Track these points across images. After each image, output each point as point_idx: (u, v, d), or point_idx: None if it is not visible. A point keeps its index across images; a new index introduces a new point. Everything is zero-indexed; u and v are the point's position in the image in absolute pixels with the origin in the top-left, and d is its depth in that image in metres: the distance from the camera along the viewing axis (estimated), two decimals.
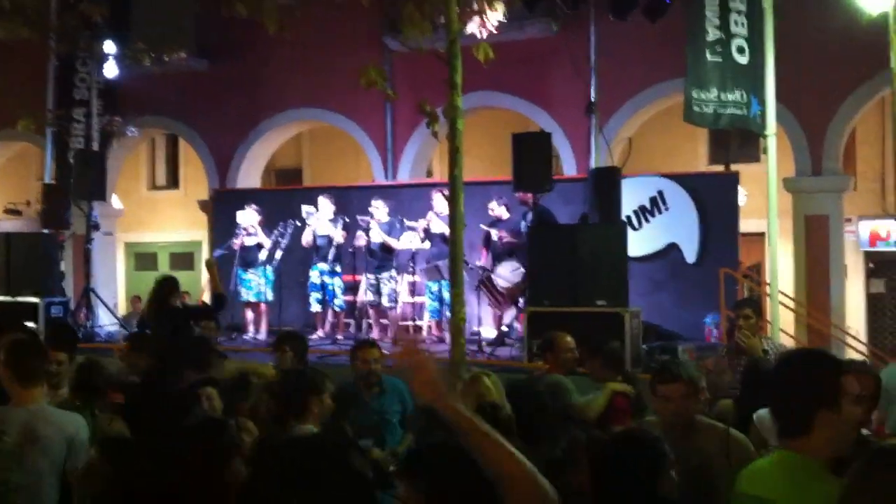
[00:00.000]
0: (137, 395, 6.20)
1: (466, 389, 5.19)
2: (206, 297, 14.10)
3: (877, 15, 8.38)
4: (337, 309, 11.62)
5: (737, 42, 8.69)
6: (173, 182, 20.35)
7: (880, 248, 15.26)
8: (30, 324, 11.38)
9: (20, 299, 11.62)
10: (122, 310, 16.64)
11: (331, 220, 11.46)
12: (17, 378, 4.16)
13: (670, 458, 3.05)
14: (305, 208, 11.66)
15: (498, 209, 10.81)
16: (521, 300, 10.30)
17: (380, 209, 11.30)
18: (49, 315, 11.61)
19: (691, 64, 8.78)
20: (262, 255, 11.70)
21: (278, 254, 11.64)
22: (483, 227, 10.70)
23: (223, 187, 15.48)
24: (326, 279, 11.43)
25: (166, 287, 8.24)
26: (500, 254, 10.60)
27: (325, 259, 11.40)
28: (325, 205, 11.52)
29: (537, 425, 4.36)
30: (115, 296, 16.81)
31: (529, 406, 4.65)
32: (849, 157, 13.88)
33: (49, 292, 11.80)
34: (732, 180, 11.72)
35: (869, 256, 15.45)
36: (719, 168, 14.05)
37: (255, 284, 11.78)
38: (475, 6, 7.81)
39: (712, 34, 8.64)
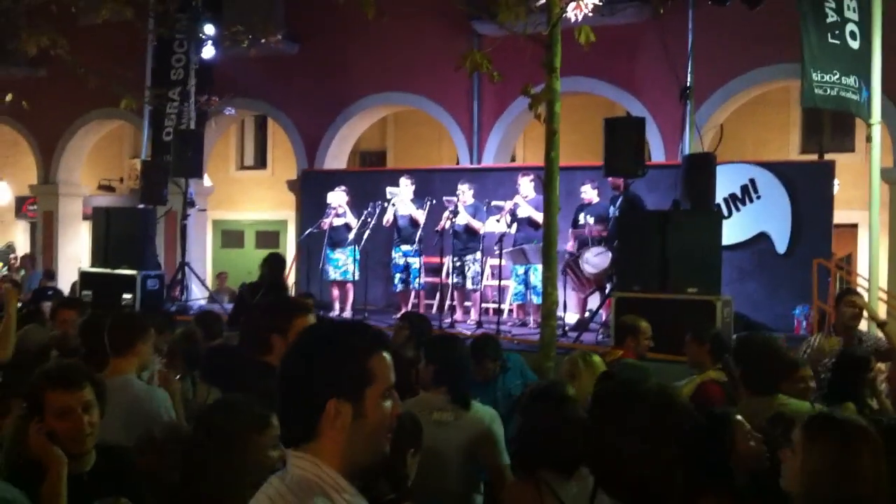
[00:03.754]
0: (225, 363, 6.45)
1: (575, 368, 5.24)
2: (292, 277, 14.44)
3: None
4: (417, 288, 11.76)
5: (850, 27, 8.49)
6: (261, 162, 20.78)
7: None
8: (127, 295, 11.86)
9: (119, 272, 12.04)
10: (209, 285, 17.11)
11: (412, 201, 11.60)
12: (110, 349, 4.50)
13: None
14: (389, 189, 11.83)
15: (590, 192, 10.82)
16: (607, 285, 10.28)
17: (466, 192, 11.39)
18: (145, 288, 12.02)
19: (811, 46, 8.54)
20: (350, 236, 11.90)
21: (366, 234, 11.81)
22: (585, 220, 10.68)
23: (311, 168, 15.76)
24: (410, 259, 11.58)
25: (280, 262, 8.74)
26: (587, 239, 10.59)
27: (406, 240, 11.55)
28: (406, 186, 11.68)
29: None
30: (204, 271, 17.28)
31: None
32: None
33: (145, 266, 12.19)
34: (828, 169, 11.47)
35: None
36: (811, 157, 13.75)
37: (343, 264, 11.99)
38: None
39: (830, 17, 8.44)
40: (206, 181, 17.57)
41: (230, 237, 20.85)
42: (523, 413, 3.81)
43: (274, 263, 9.49)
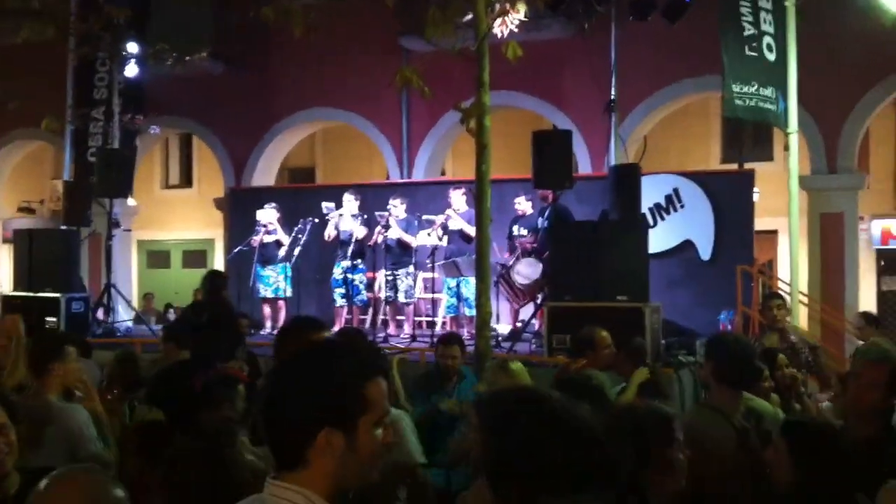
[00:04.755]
0: (166, 386, 6.36)
1: (496, 376, 5.30)
2: None
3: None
4: (359, 304, 11.73)
5: (766, 40, 8.81)
6: (186, 181, 20.48)
7: (892, 246, 15.37)
8: (51, 319, 11.55)
9: (42, 295, 11.73)
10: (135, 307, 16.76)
11: (353, 217, 11.59)
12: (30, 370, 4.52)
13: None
14: (326, 205, 11.78)
15: (524, 204, 10.97)
16: (539, 296, 10.41)
17: (398, 207, 11.42)
18: (70, 311, 11.72)
19: (730, 58, 8.84)
20: (281, 253, 11.82)
21: (297, 251, 11.75)
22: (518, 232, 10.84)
23: (239, 186, 15.62)
24: (349, 275, 11.56)
25: (220, 279, 8.65)
26: (519, 252, 10.71)
27: (349, 256, 11.52)
28: (350, 201, 11.66)
29: None
30: (130, 293, 16.93)
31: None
32: (862, 155, 13.99)
33: (70, 288, 11.90)
34: (748, 178, 11.83)
35: (881, 254, 15.56)
36: (732, 167, 14.17)
37: (274, 281, 11.90)
38: (498, 7, 7.92)
39: (748, 30, 8.74)
40: (131, 201, 17.26)
41: (156, 257, 20.49)
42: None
43: (215, 281, 9.38)
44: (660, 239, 11.59)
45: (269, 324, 12.07)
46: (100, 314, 12.52)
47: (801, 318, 10.79)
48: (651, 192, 11.46)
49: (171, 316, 16.98)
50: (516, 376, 5.35)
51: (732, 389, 4.10)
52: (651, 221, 11.65)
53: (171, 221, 19.97)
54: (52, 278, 11.81)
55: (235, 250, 12.37)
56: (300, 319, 4.75)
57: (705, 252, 11.68)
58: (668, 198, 11.86)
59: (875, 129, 14.24)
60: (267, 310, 12.16)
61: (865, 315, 10.13)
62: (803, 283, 11.45)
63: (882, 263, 15.57)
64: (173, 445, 3.09)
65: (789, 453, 3.21)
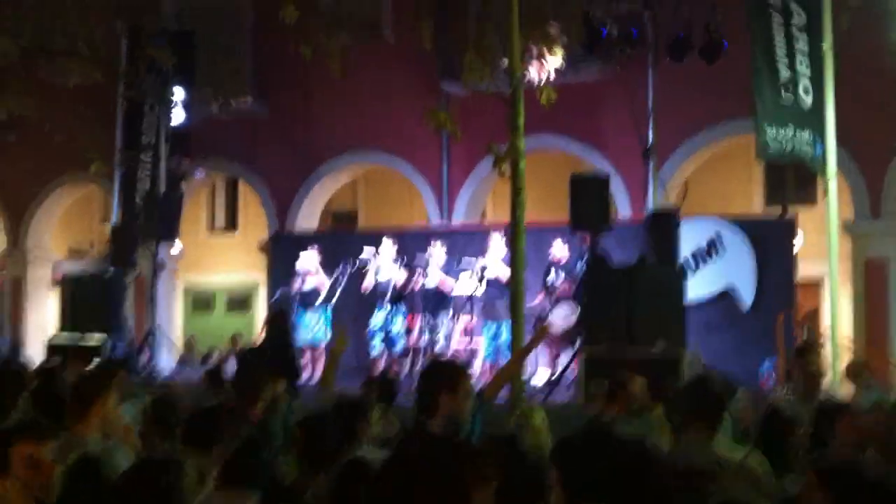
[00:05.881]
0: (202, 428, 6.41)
1: (522, 434, 5.21)
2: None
3: None
4: (398, 350, 11.75)
5: (803, 83, 8.73)
6: (232, 225, 20.74)
7: None
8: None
9: (84, 343, 11.90)
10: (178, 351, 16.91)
11: (392, 261, 11.67)
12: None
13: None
14: (367, 249, 11.86)
15: (560, 249, 10.93)
16: (576, 342, 10.33)
17: (437, 251, 11.47)
18: (113, 354, 11.91)
19: (764, 102, 8.79)
20: (321, 297, 11.90)
21: (337, 294, 11.83)
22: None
23: (283, 230, 15.80)
24: (389, 324, 11.60)
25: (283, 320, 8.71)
26: (556, 298, 10.67)
27: (386, 303, 11.56)
28: (388, 247, 11.75)
29: None
30: (173, 336, 17.13)
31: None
32: None
33: (113, 332, 12.10)
34: (790, 226, 11.63)
35: None
36: (775, 210, 13.98)
37: (314, 326, 11.96)
38: (535, 51, 8.01)
39: (784, 73, 8.68)
40: (178, 244, 17.53)
41: (200, 301, 20.69)
42: None
43: (279, 321, 9.43)
44: (700, 286, 11.45)
45: (310, 367, 12.11)
46: (143, 357, 12.71)
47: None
48: (692, 236, 11.35)
49: (214, 357, 17.13)
50: (539, 434, 5.25)
51: (696, 432, 4.02)
52: (693, 266, 11.51)
53: (215, 265, 20.18)
54: (97, 322, 12.03)
55: (276, 295, 12.50)
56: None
57: (747, 299, 11.51)
58: (711, 242, 11.74)
59: None
60: (307, 355, 12.20)
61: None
62: (845, 331, 11.22)
63: None
64: (118, 478, 3.10)
65: (828, 494, 3.20)
